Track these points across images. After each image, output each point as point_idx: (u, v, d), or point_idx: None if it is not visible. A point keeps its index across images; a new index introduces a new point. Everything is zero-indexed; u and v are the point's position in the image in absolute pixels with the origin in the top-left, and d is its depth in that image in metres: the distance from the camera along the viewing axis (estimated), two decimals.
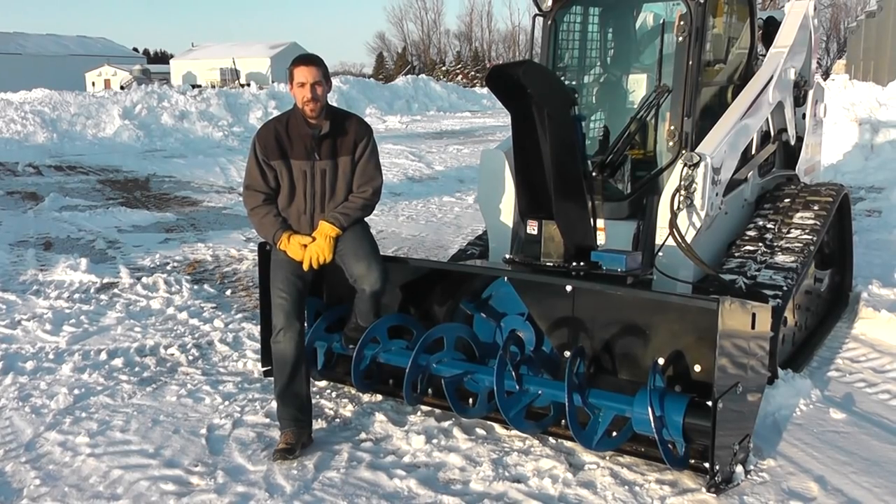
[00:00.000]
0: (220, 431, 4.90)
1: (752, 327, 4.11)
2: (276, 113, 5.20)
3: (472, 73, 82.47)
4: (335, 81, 38.36)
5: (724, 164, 5.58)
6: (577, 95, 4.93)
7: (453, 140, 25.31)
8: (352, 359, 5.00)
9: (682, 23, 5.67)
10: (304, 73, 4.61)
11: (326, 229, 4.68)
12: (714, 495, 4.01)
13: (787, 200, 6.45)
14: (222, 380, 5.70)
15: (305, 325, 4.99)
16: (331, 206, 4.76)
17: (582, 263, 4.73)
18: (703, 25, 5.68)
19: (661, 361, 4.36)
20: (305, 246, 4.68)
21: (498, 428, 4.84)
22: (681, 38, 5.70)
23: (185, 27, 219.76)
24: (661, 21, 6.09)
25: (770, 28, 6.93)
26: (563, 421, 4.45)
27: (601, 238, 5.51)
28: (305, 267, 4.69)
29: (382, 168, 4.96)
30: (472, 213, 12.16)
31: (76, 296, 7.92)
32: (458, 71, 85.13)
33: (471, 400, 4.91)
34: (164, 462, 4.52)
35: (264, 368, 5.46)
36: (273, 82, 42.97)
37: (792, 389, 5.13)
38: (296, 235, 4.71)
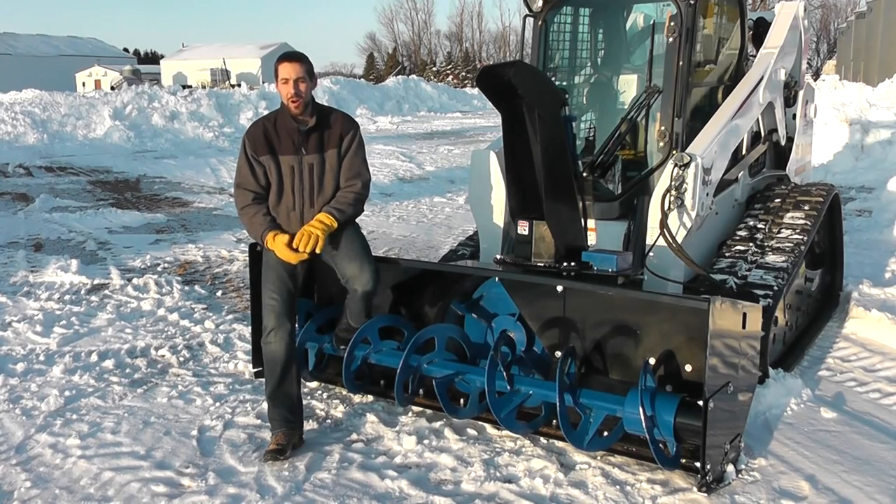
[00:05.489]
0: (211, 433, 4.89)
1: (743, 327, 4.12)
2: (266, 113, 5.28)
3: (463, 73, 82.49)
4: (326, 82, 38.34)
5: (715, 164, 5.59)
6: (567, 96, 4.93)
7: (444, 140, 25.32)
8: (343, 360, 4.99)
9: (672, 24, 5.68)
10: (287, 70, 4.66)
11: (324, 217, 4.66)
12: (705, 495, 4.02)
13: (777, 200, 6.47)
14: (213, 381, 5.69)
15: (296, 325, 4.99)
16: (319, 201, 4.76)
17: (573, 264, 4.73)
18: (694, 26, 5.69)
19: (651, 361, 4.37)
20: (290, 245, 4.66)
21: (489, 428, 4.84)
22: (671, 39, 5.71)
23: (176, 27, 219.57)
24: (652, 22, 6.11)
25: (760, 29, 6.94)
26: (555, 421, 4.47)
27: (592, 238, 5.52)
28: (296, 243, 4.61)
29: (374, 169, 4.97)
30: (463, 214, 12.16)
31: (67, 297, 7.89)
32: (448, 71, 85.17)
33: (462, 400, 4.91)
34: (155, 464, 4.51)
35: (255, 369, 5.45)
36: (263, 83, 42.94)
37: (783, 389, 5.15)
38: (282, 235, 4.69)
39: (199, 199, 14.70)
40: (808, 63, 7.96)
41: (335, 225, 4.67)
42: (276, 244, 4.66)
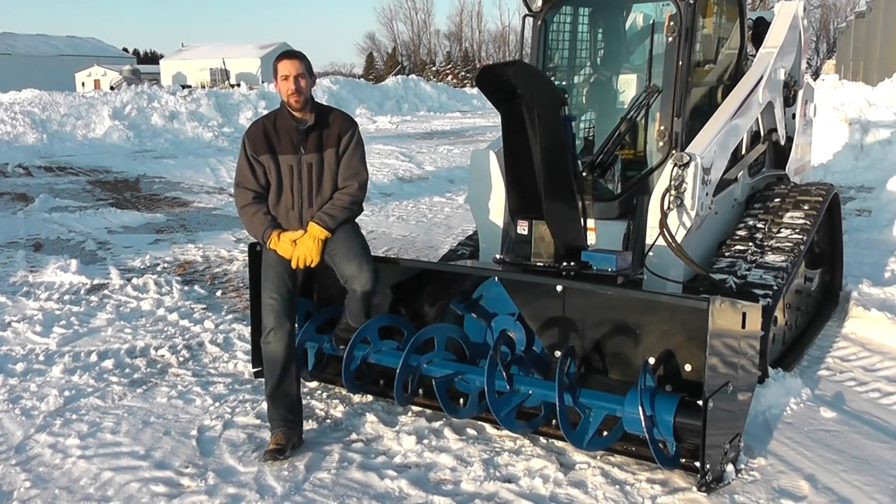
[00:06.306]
0: (211, 433, 4.89)
1: (743, 327, 4.12)
2: (265, 113, 5.34)
3: (463, 73, 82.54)
4: (325, 82, 38.36)
5: (715, 164, 5.59)
6: (567, 96, 4.93)
7: (443, 140, 25.32)
8: (342, 359, 4.99)
9: (671, 23, 5.68)
10: (287, 67, 4.70)
11: (314, 230, 4.70)
12: (705, 494, 4.02)
13: (777, 200, 6.47)
14: (213, 381, 5.69)
15: (296, 325, 4.98)
16: (318, 200, 4.78)
17: (572, 263, 4.73)
18: (693, 26, 5.68)
19: (651, 361, 4.37)
20: (295, 241, 4.69)
21: (489, 428, 4.84)
22: (670, 39, 5.71)
23: (175, 27, 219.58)
24: (651, 21, 6.10)
25: (760, 28, 6.94)
26: (554, 421, 4.46)
27: (591, 238, 5.52)
28: (294, 266, 4.70)
29: (373, 168, 4.99)
30: (463, 214, 12.16)
31: (66, 297, 7.89)
32: (448, 71, 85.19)
33: (461, 400, 4.92)
34: (155, 464, 4.50)
35: (255, 369, 5.45)
36: (263, 82, 42.98)
37: (782, 388, 5.15)
38: (285, 233, 4.72)
39: (198, 198, 14.70)
40: (807, 62, 7.95)
41: (328, 235, 4.73)
42: (281, 243, 4.68)
